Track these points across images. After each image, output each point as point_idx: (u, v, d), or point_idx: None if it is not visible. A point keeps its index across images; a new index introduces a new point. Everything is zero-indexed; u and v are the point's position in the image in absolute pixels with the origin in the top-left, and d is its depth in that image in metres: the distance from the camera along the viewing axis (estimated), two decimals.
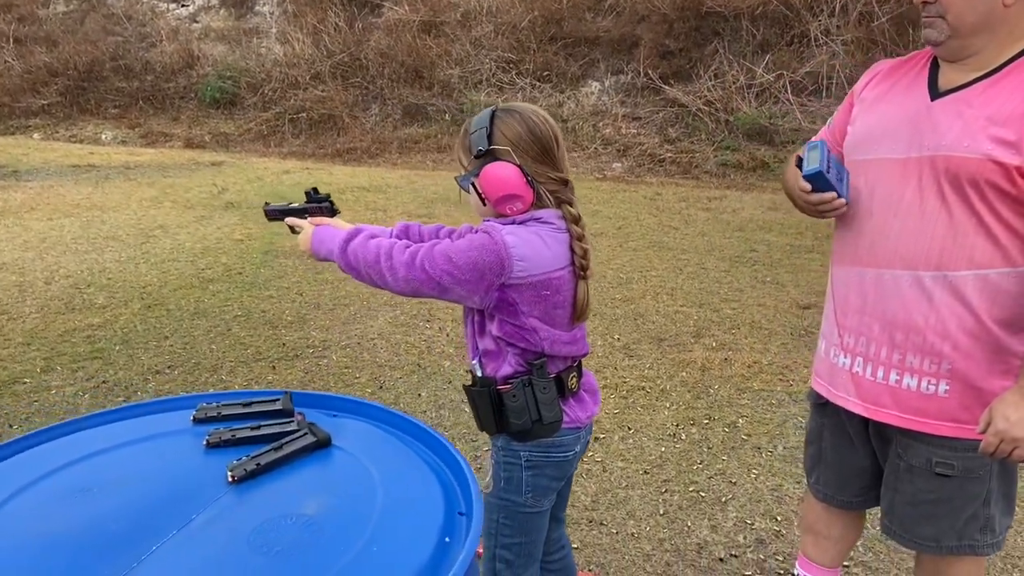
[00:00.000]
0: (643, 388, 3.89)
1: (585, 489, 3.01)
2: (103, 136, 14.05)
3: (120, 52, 15.89)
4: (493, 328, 1.66)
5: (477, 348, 1.73)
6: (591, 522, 2.81)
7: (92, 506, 1.00)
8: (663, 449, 3.31)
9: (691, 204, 8.41)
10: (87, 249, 6.35)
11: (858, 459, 1.92)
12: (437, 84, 12.90)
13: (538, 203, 1.66)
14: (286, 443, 1.14)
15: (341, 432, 1.21)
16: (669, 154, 11.09)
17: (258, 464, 1.09)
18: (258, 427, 1.20)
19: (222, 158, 11.63)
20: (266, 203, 1.99)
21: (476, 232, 1.63)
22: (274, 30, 15.53)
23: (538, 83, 12.79)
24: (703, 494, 2.98)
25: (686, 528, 2.77)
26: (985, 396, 1.62)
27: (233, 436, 1.18)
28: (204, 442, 1.18)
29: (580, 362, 1.82)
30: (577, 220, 1.69)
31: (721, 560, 2.59)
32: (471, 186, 1.66)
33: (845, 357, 1.79)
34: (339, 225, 1.87)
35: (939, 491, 1.71)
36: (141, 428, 1.22)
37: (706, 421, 3.56)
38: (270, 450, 1.13)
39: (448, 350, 4.35)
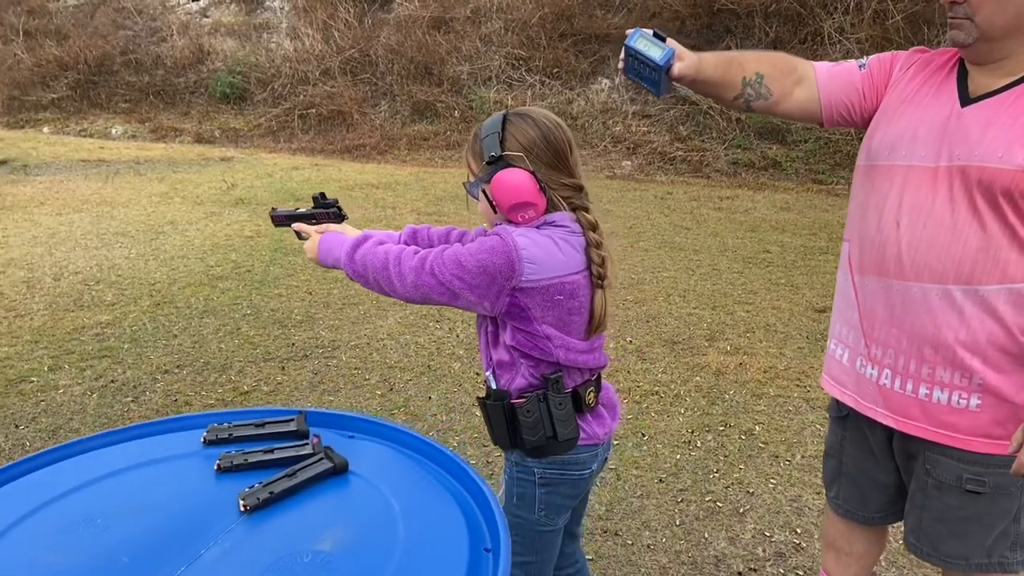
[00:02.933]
0: (657, 393, 3.83)
1: (599, 498, 2.95)
2: (113, 130, 14.05)
3: (130, 46, 15.89)
4: (506, 337, 1.61)
5: (491, 359, 1.68)
6: (606, 532, 2.75)
7: (97, 538, 0.95)
8: (678, 457, 3.25)
9: (702, 203, 8.34)
10: (97, 245, 6.32)
11: (880, 474, 1.87)
12: (446, 81, 12.84)
13: (551, 210, 1.61)
14: (300, 469, 1.08)
15: (359, 456, 1.16)
16: (680, 152, 11.01)
17: (271, 493, 1.03)
18: (271, 450, 1.14)
19: (232, 154, 11.61)
20: (273, 208, 1.95)
21: (488, 235, 1.59)
22: (284, 25, 15.50)
23: (548, 80, 12.72)
24: (720, 504, 2.92)
25: (703, 540, 2.71)
26: (1020, 411, 1.56)
27: (245, 460, 1.12)
28: (215, 467, 1.13)
29: (599, 375, 1.76)
30: (594, 227, 1.64)
31: (740, 574, 2.54)
32: (481, 193, 1.61)
33: (873, 368, 1.73)
34: (347, 231, 1.82)
35: (969, 508, 1.65)
36: (149, 450, 1.17)
37: (722, 428, 3.49)
38: (284, 477, 1.07)
39: (458, 351, 4.30)
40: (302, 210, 1.90)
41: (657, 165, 10.86)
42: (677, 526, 2.79)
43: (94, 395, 3.75)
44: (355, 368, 4.07)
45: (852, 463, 1.92)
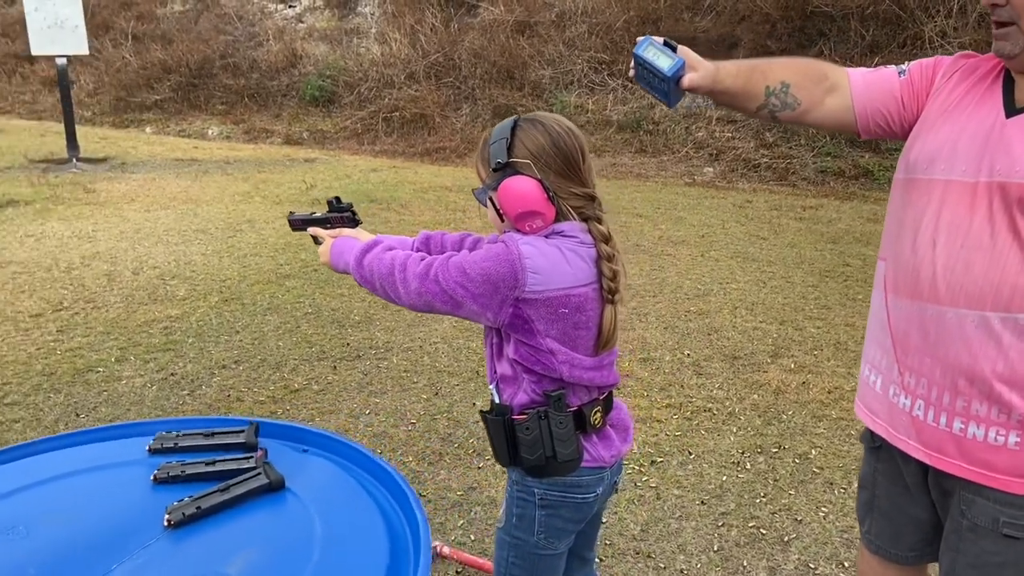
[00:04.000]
0: (709, 410, 3.67)
1: (635, 517, 2.84)
2: (209, 131, 14.62)
3: (230, 51, 16.51)
4: (509, 351, 1.56)
5: (495, 372, 1.64)
6: (638, 554, 2.64)
7: (13, 548, 0.93)
8: (724, 478, 3.11)
9: (783, 213, 8.03)
10: (177, 241, 6.56)
11: (914, 509, 1.73)
12: (528, 85, 12.83)
13: (560, 220, 1.55)
14: (235, 484, 1.05)
15: (303, 472, 1.12)
16: (765, 159, 10.67)
17: (199, 508, 1.00)
18: (213, 462, 1.12)
19: (316, 155, 11.91)
20: (290, 212, 1.93)
21: (494, 243, 1.54)
22: (374, 30, 15.82)
23: (630, 84, 12.54)
24: (764, 531, 2.77)
25: (741, 568, 2.57)
26: None
27: (183, 472, 1.10)
28: (152, 477, 1.11)
29: (610, 394, 1.68)
30: (607, 239, 1.57)
31: None
32: (489, 201, 1.56)
33: (906, 398, 1.60)
34: (360, 236, 1.80)
35: (1006, 554, 1.51)
36: (92, 456, 1.16)
37: (775, 450, 3.32)
38: (216, 491, 1.04)
39: None
40: (318, 214, 1.89)
41: (740, 172, 10.55)
42: (715, 552, 2.66)
43: (153, 387, 3.86)
44: (404, 371, 4.07)
45: (885, 497, 1.79)
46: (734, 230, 7.21)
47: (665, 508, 2.91)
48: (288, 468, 1.12)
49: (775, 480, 3.10)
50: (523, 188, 1.49)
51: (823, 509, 2.90)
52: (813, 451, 3.31)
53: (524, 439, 1.55)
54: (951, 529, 1.59)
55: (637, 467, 3.18)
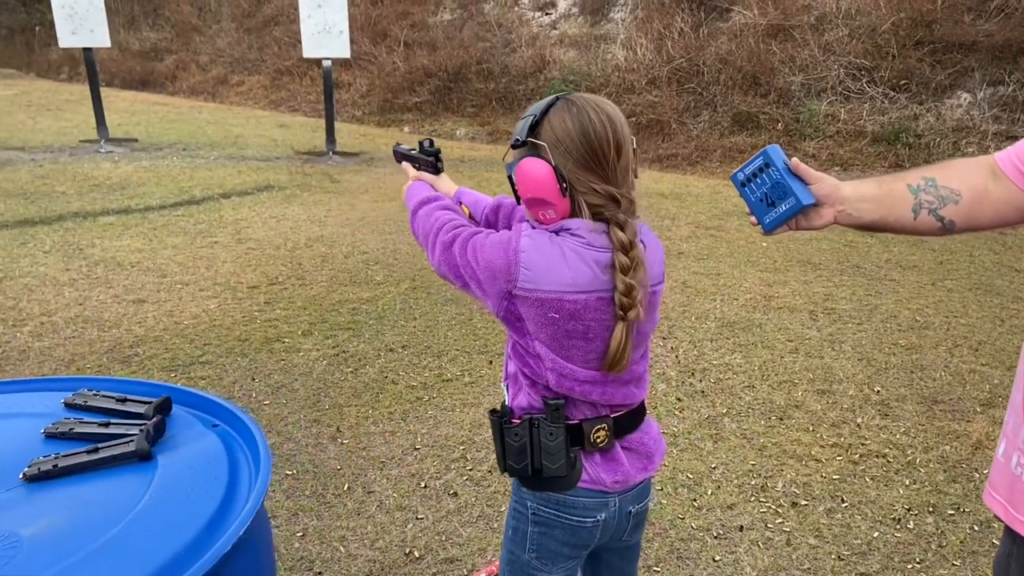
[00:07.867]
0: (884, 455, 3.19)
1: (755, 560, 2.53)
2: (457, 132, 15.49)
3: (485, 57, 17.38)
4: (509, 347, 1.47)
5: (507, 370, 1.53)
6: None
7: None
8: (876, 535, 2.67)
9: None
10: (391, 230, 6.98)
11: None
12: (774, 91, 12.11)
13: (574, 215, 1.39)
14: (103, 448, 1.04)
15: (189, 445, 1.08)
16: None
17: (55, 466, 1.01)
18: (107, 424, 1.12)
19: None
20: (397, 143, 1.98)
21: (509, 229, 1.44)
22: (622, 36, 15.82)
23: (892, 92, 11.40)
24: None
25: None
26: None
27: (71, 430, 1.11)
28: (42, 431, 1.13)
29: (631, 414, 1.48)
30: (627, 248, 1.35)
31: None
32: (508, 179, 1.45)
33: None
34: (438, 185, 1.77)
35: None
36: (7, 404, 1.21)
37: (951, 511, 2.80)
38: (82, 452, 1.04)
39: (670, 373, 3.99)
40: (415, 152, 1.91)
41: None
42: None
43: (324, 362, 4.12)
44: None
45: None
46: (983, 258, 6.26)
47: (793, 557, 2.56)
48: (182, 440, 1.10)
49: (940, 546, 2.61)
50: (535, 172, 1.35)
51: None
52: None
53: (510, 445, 1.44)
54: None
55: (774, 507, 2.83)
